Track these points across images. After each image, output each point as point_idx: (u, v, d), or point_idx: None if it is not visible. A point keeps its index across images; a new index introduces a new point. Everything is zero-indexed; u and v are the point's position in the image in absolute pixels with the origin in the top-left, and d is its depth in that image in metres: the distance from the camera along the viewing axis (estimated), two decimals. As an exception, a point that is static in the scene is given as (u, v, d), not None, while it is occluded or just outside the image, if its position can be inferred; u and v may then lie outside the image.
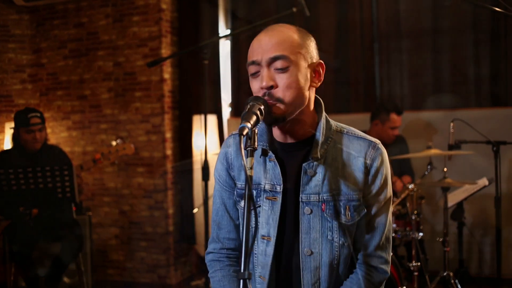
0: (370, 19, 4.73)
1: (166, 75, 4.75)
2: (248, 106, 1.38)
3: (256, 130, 1.34)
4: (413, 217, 3.42)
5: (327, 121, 1.58)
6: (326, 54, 4.72)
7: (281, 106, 1.45)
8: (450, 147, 3.49)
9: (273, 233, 1.54)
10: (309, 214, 1.51)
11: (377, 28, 4.75)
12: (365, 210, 1.55)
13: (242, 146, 1.24)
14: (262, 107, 1.39)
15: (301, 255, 1.52)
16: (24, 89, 5.18)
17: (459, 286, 3.56)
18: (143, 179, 4.81)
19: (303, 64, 1.50)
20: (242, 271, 1.17)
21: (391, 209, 1.62)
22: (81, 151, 5.00)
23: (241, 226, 1.65)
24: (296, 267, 1.53)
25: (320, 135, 1.53)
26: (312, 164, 1.51)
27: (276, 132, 1.56)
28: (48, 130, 4.88)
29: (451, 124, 3.49)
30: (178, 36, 4.88)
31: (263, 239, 1.55)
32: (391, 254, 3.13)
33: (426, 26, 4.64)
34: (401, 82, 4.74)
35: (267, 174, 1.55)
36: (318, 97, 1.61)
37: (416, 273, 3.37)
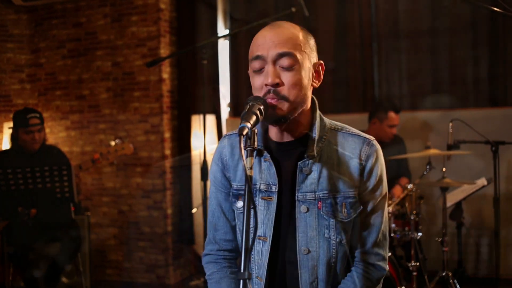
0: (369, 19, 4.73)
1: (165, 75, 4.74)
2: (248, 106, 1.37)
3: (256, 130, 1.34)
4: (412, 217, 3.42)
5: (321, 119, 1.58)
6: (324, 54, 4.72)
7: (285, 105, 1.45)
8: (449, 147, 3.49)
9: (269, 233, 1.53)
10: (306, 212, 1.51)
11: (375, 28, 4.75)
12: (361, 207, 1.55)
13: (242, 146, 1.24)
14: (261, 107, 1.38)
15: (298, 254, 1.52)
16: (22, 89, 5.17)
17: (457, 286, 3.56)
18: (142, 179, 4.81)
19: (307, 63, 1.50)
20: (242, 271, 1.17)
21: (386, 205, 1.62)
22: (79, 151, 5.00)
23: (237, 227, 1.64)
24: (294, 266, 1.53)
25: (315, 133, 1.52)
26: (307, 162, 1.51)
27: (272, 132, 1.56)
28: (47, 130, 4.87)
29: (450, 124, 3.49)
30: (177, 36, 4.87)
31: (259, 239, 1.55)
32: (390, 253, 3.14)
33: (424, 27, 4.64)
34: (399, 82, 4.75)
35: (262, 174, 1.54)
36: (313, 95, 1.61)
37: (415, 273, 3.37)
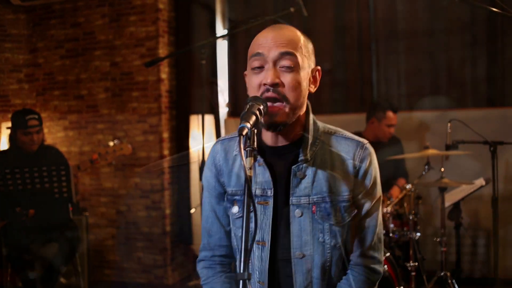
0: (367, 20, 4.73)
1: (163, 75, 4.74)
2: (248, 106, 1.37)
3: (256, 131, 1.33)
4: (411, 217, 3.42)
5: (315, 123, 1.58)
6: (323, 54, 4.72)
7: (286, 110, 1.44)
8: (447, 147, 3.49)
9: (267, 238, 1.53)
10: (300, 216, 1.51)
11: (374, 29, 4.75)
12: (356, 211, 1.55)
13: (242, 146, 1.23)
14: (261, 107, 1.37)
15: (293, 258, 1.52)
16: (20, 89, 5.16)
17: (456, 286, 3.57)
18: (140, 179, 4.80)
19: (306, 67, 1.50)
20: (241, 271, 1.16)
21: (381, 208, 1.62)
22: (77, 151, 4.99)
23: (232, 232, 1.63)
24: (289, 270, 1.53)
25: (308, 137, 1.52)
26: (301, 166, 1.51)
27: (267, 136, 1.55)
28: (45, 130, 4.86)
29: (449, 125, 3.50)
30: (175, 36, 4.87)
31: (258, 244, 1.54)
32: (388, 253, 3.14)
33: (422, 27, 4.64)
34: (398, 83, 4.75)
35: (257, 179, 1.54)
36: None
37: (413, 273, 3.37)
